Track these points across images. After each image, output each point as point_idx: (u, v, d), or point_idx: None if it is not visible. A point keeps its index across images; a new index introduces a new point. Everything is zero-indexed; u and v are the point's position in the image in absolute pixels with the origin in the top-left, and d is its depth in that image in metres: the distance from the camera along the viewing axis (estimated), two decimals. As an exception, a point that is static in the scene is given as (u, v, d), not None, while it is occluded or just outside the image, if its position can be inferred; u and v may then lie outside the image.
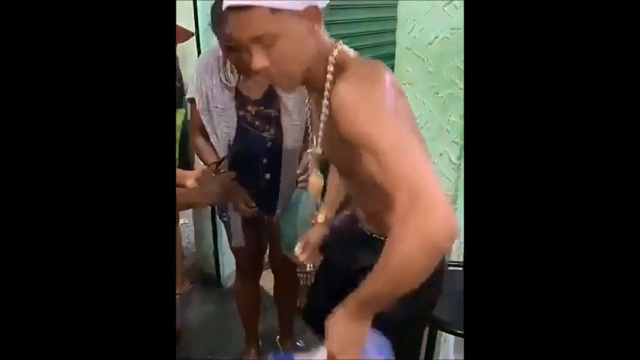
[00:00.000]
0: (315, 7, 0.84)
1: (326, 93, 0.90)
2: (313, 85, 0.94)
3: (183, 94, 2.09)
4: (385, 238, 0.93)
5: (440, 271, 1.08)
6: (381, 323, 0.89)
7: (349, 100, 0.79)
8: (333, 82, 0.87)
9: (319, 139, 0.99)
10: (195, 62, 1.60)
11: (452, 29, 1.49)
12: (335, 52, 0.89)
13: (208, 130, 1.59)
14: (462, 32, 1.46)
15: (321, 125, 0.95)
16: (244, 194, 1.53)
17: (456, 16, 1.48)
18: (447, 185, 1.58)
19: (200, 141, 1.64)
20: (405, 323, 1.10)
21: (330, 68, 0.88)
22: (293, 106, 1.55)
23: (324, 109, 0.91)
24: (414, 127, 0.96)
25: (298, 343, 2.14)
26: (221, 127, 1.55)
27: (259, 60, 0.86)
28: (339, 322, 0.84)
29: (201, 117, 1.58)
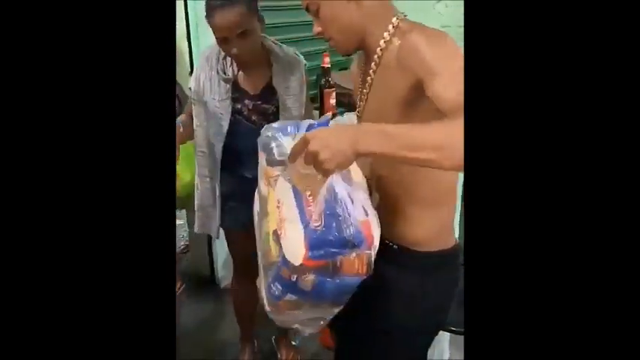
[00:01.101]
0: None
1: (378, 50, 0.97)
2: (373, 48, 1.00)
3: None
4: (393, 244, 1.03)
5: (455, 282, 1.11)
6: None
7: (421, 42, 0.88)
8: (389, 42, 0.96)
9: (363, 105, 1.06)
10: (200, 54, 1.63)
11: (442, 27, 1.50)
12: (395, 19, 0.97)
13: (197, 122, 1.59)
14: (452, 30, 1.47)
15: (369, 84, 1.02)
16: None
17: (446, 14, 1.48)
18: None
19: (183, 116, 1.66)
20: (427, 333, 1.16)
21: (390, 29, 0.96)
22: (292, 103, 1.55)
23: (373, 65, 1.00)
24: None
25: (294, 343, 2.14)
26: (215, 119, 1.55)
27: (314, 27, 1.00)
28: (341, 126, 0.84)
29: (192, 106, 1.59)
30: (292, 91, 1.54)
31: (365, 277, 0.84)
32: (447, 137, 0.73)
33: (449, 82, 0.80)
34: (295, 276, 0.83)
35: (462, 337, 1.47)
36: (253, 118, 1.56)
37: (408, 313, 1.06)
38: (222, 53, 1.52)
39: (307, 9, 0.98)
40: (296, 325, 1.00)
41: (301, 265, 0.81)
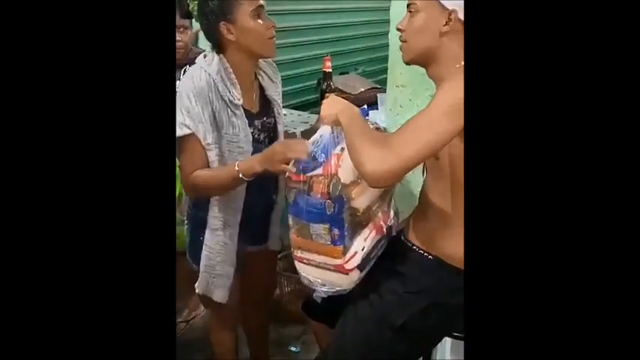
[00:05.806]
0: None
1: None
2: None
3: None
4: (423, 251, 1.09)
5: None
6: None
7: None
8: None
9: None
10: (184, 91, 1.28)
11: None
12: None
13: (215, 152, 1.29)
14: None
15: None
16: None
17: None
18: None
19: (202, 172, 1.29)
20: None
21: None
22: (282, 110, 1.45)
23: None
24: None
25: (293, 349, 2.13)
26: (234, 156, 1.29)
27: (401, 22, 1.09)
28: (344, 101, 1.11)
29: (208, 153, 1.27)
30: (279, 98, 1.44)
31: (326, 200, 1.06)
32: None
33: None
34: (286, 189, 1.13)
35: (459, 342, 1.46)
36: (261, 137, 1.39)
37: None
38: (226, 77, 1.28)
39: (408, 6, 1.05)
40: (312, 284, 1.16)
41: (289, 177, 1.11)
